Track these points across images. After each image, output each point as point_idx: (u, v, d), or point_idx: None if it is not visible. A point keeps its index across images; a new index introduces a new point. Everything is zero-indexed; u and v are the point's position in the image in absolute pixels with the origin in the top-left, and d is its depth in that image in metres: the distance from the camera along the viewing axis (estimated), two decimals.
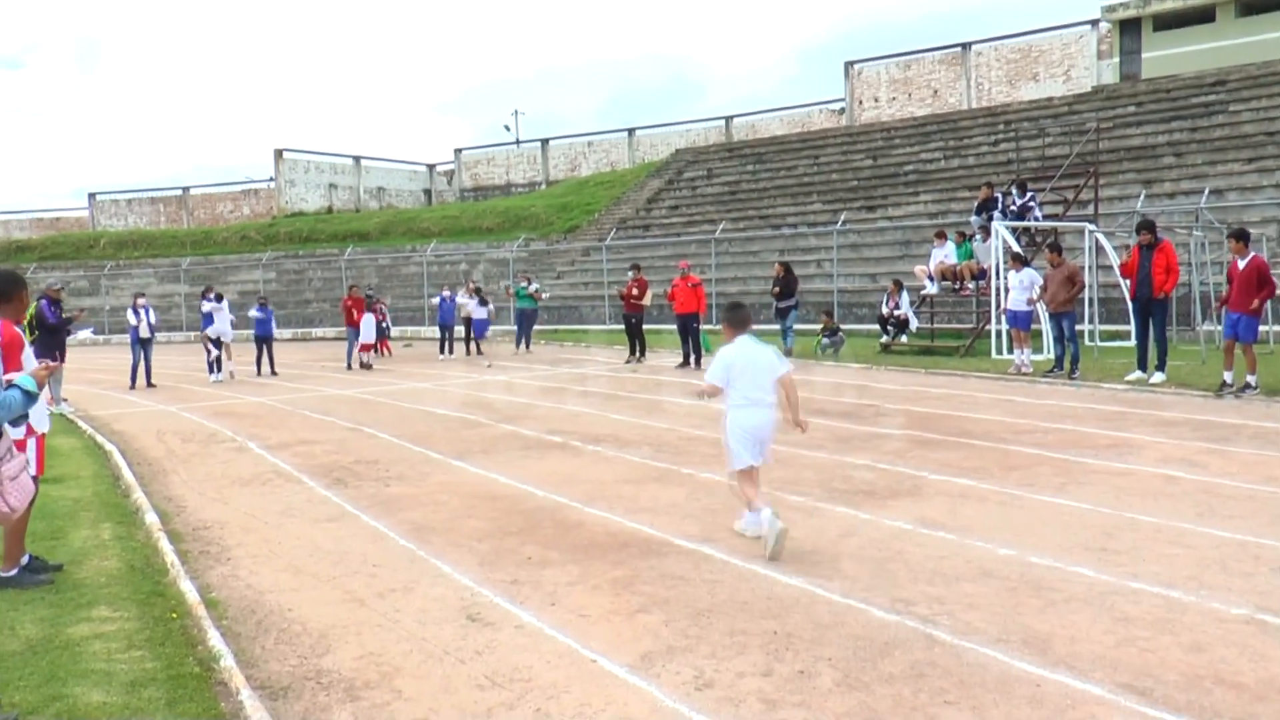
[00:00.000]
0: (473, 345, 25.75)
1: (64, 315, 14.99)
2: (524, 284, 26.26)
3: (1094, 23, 38.60)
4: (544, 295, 27.29)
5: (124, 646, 5.09)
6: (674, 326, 20.95)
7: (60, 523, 7.69)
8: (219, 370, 20.24)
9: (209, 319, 20.49)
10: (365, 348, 23.35)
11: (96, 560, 6.74)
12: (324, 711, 4.41)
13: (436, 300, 26.70)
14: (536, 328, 27.43)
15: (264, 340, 21.69)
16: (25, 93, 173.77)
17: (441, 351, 25.85)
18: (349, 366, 22.77)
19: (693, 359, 19.63)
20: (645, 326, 22.04)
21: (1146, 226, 14.21)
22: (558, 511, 7.92)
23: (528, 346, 25.81)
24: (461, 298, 26.07)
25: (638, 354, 21.48)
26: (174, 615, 5.54)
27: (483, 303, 26.10)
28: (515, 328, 26.55)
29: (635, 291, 21.28)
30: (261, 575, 6.50)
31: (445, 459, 10.46)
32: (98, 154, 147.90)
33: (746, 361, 6.71)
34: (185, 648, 5.06)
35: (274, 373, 21.12)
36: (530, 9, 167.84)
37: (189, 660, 4.88)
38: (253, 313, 22.02)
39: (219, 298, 20.89)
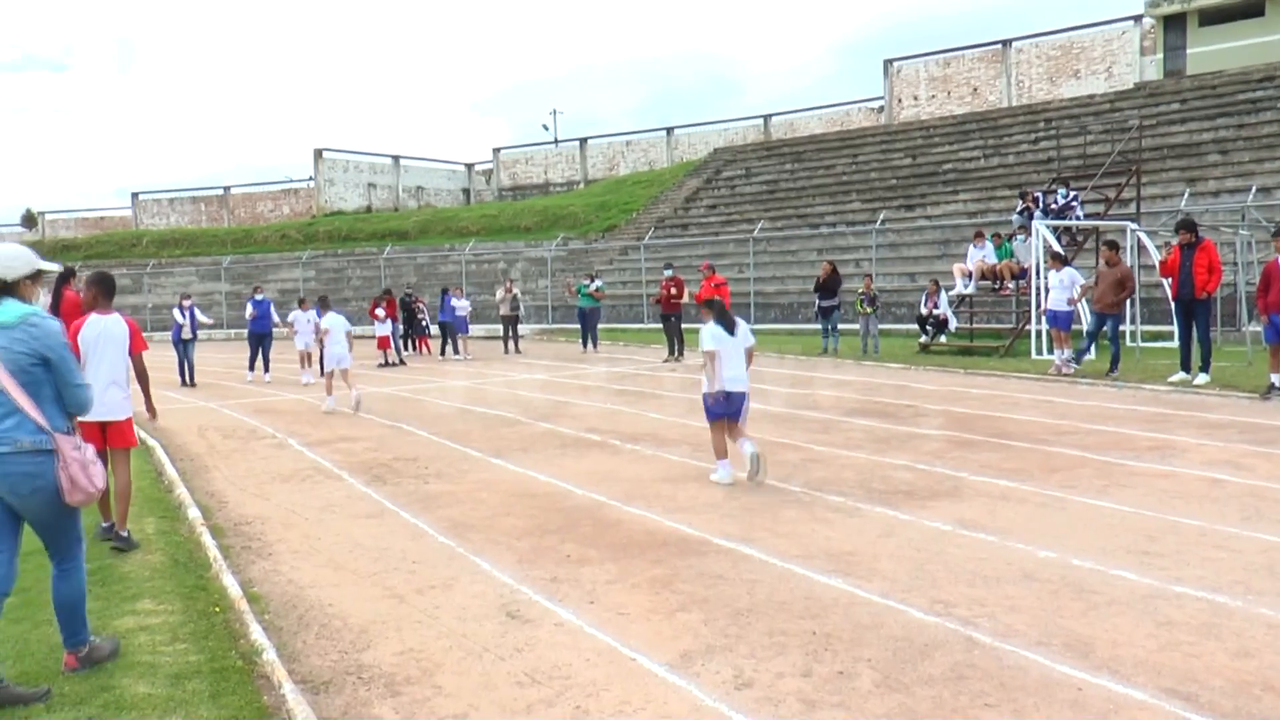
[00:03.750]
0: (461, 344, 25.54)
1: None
2: (586, 282, 26.16)
3: (1137, 18, 38.13)
4: (604, 294, 27.08)
5: (168, 639, 5.17)
6: (659, 327, 21.04)
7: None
8: (309, 372, 19.22)
9: (259, 321, 19.98)
10: (384, 343, 23.49)
11: (141, 554, 6.86)
12: (365, 706, 4.46)
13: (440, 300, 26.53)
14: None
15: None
16: (69, 95, 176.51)
17: (443, 351, 25.82)
18: (386, 364, 23.10)
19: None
20: (684, 325, 22.00)
21: (1186, 225, 14.03)
22: (596, 510, 7.95)
23: (594, 345, 25.13)
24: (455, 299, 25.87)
25: (676, 353, 21.47)
26: (217, 609, 5.62)
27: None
28: (579, 327, 26.07)
29: (673, 290, 21.30)
30: (302, 571, 6.58)
31: (484, 456, 10.53)
32: (140, 154, 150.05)
33: (725, 337, 8.85)
34: (228, 641, 5.13)
35: (324, 373, 20.47)
36: (567, 8, 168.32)
37: (232, 654, 4.95)
38: (312, 314, 21.78)
39: (321, 306, 19.51)
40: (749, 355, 9.02)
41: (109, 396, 6.99)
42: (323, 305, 18.05)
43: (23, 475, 4.45)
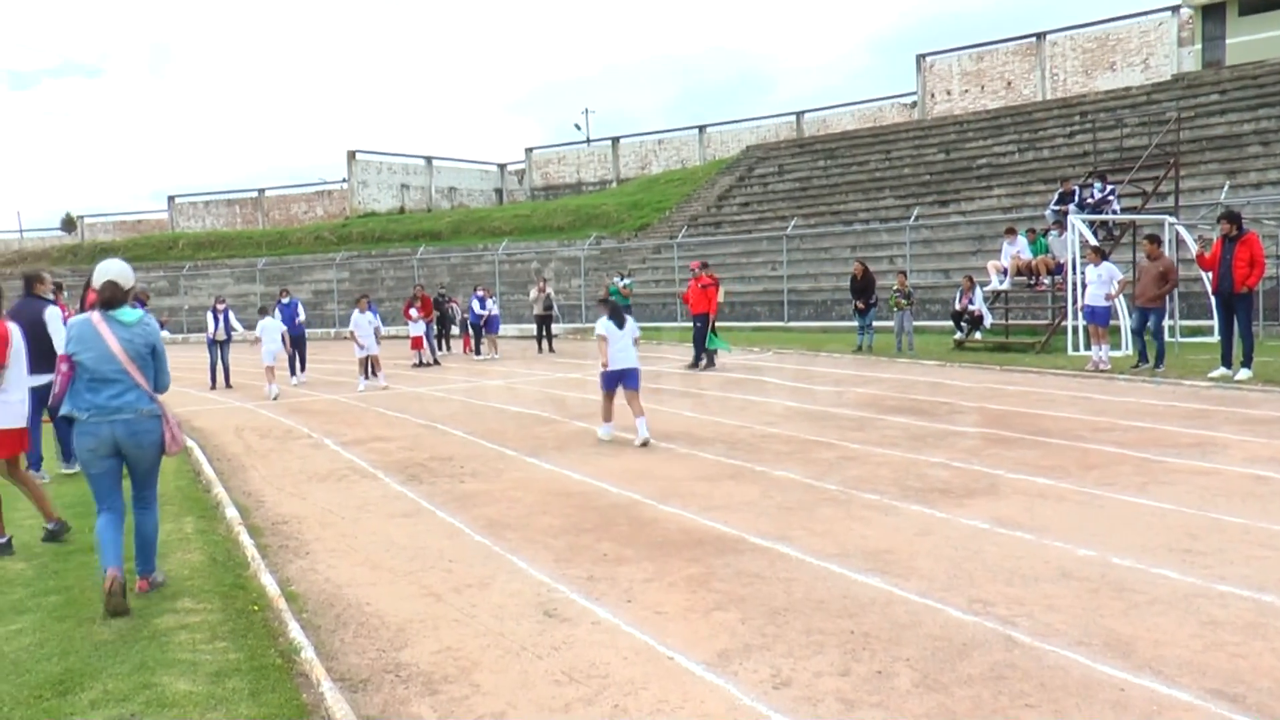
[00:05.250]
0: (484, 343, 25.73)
1: (159, 319, 15.39)
2: (617, 280, 26.20)
3: (1174, 9, 37.64)
4: (631, 291, 27.03)
5: (208, 637, 5.22)
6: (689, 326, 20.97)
7: None
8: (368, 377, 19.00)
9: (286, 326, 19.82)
10: (417, 343, 23.60)
11: (180, 553, 6.93)
12: (403, 704, 4.48)
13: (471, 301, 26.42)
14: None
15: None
16: (106, 100, 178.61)
17: (477, 350, 25.82)
18: (427, 363, 23.24)
19: (703, 360, 19.40)
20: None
21: (1229, 217, 13.82)
22: (632, 508, 7.96)
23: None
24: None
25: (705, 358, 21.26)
26: (255, 608, 5.66)
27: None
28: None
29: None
30: (339, 569, 6.62)
31: (519, 455, 10.56)
32: (176, 158, 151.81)
33: (615, 329, 11.12)
34: (267, 639, 5.17)
35: (375, 374, 19.66)
36: (598, 7, 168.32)
37: (270, 652, 4.98)
38: (355, 315, 21.79)
39: (373, 307, 19.82)
40: (635, 343, 11.45)
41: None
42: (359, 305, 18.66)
43: (144, 433, 5.91)
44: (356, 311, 19.04)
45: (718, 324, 19.75)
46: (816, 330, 27.76)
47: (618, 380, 11.26)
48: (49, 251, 53.37)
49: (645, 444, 10.76)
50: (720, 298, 21.19)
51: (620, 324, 11.23)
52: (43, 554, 6.97)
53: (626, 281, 26.26)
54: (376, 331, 17.65)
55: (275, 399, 17.17)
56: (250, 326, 21.04)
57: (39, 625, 5.47)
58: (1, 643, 5.22)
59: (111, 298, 5.95)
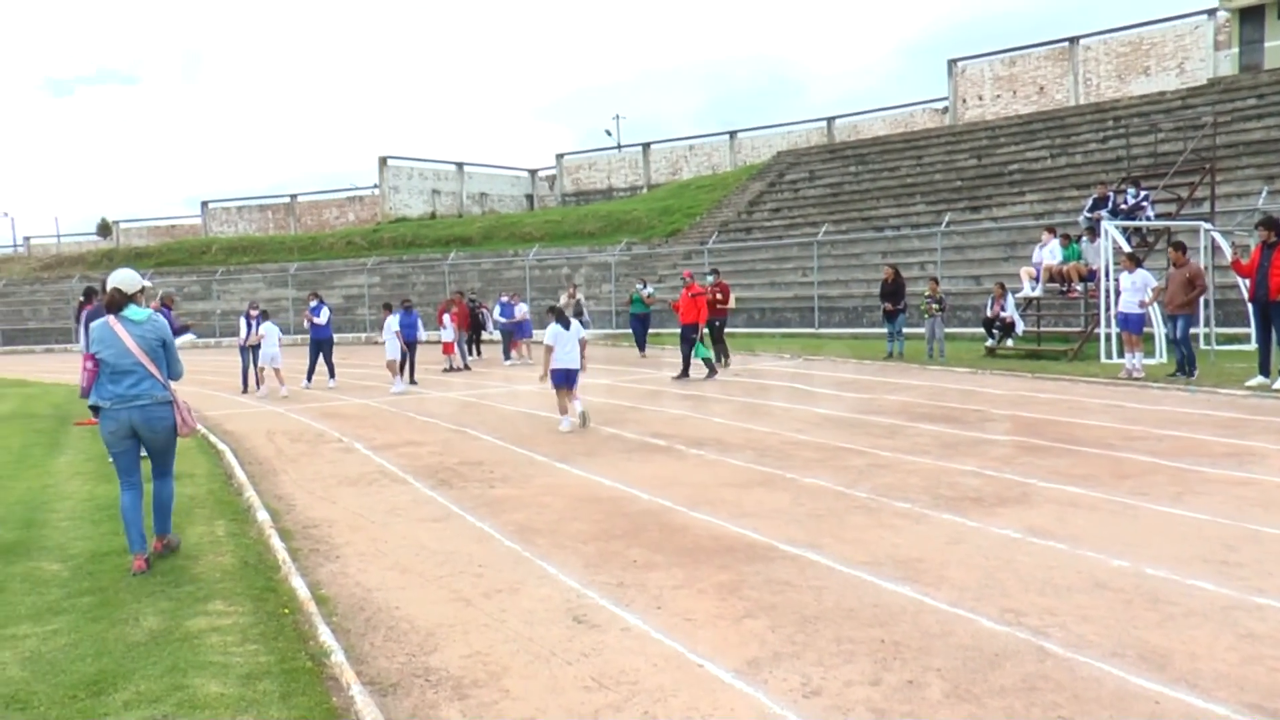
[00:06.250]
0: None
1: (183, 322, 15.64)
2: (639, 287, 26.26)
3: (1211, 12, 37.25)
4: (655, 299, 27.08)
5: (239, 640, 5.25)
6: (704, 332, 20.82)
7: (178, 519, 7.96)
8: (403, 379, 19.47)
9: (318, 328, 20.23)
10: (448, 349, 23.71)
11: (212, 556, 6.98)
12: (432, 709, 4.49)
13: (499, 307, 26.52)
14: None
15: (408, 345, 20.77)
16: (141, 107, 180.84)
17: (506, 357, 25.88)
18: (457, 368, 23.37)
19: (691, 369, 19.14)
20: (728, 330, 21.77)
21: (1268, 224, 13.65)
22: (662, 515, 7.95)
23: (642, 351, 25.46)
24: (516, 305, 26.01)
25: (722, 360, 21.12)
26: (286, 611, 5.69)
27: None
28: (631, 332, 26.31)
29: (719, 296, 20.91)
30: (369, 573, 6.65)
31: (549, 461, 10.58)
32: (210, 164, 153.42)
33: (562, 333, 12.55)
34: (297, 642, 5.19)
35: (413, 381, 20.00)
36: (628, 13, 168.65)
37: (301, 655, 5.01)
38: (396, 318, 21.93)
39: (407, 309, 20.40)
40: (582, 344, 12.77)
41: None
42: (387, 308, 19.30)
43: (157, 418, 6.65)
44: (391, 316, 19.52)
45: (729, 330, 19.63)
46: (847, 336, 27.66)
47: (564, 378, 12.65)
48: (85, 256, 54.04)
49: (580, 424, 12.64)
50: (731, 303, 21.08)
51: (567, 326, 12.64)
52: (78, 556, 7.05)
53: (650, 290, 26.32)
54: (412, 329, 18.60)
55: (285, 395, 18.15)
56: (286, 331, 21.36)
57: (74, 626, 5.53)
58: (38, 643, 5.28)
59: (117, 301, 6.69)
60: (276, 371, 18.70)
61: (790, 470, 9.57)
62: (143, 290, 6.95)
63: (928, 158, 38.19)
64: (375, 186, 54.52)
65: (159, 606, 5.82)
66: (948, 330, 21.93)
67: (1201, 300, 16.55)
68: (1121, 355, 16.68)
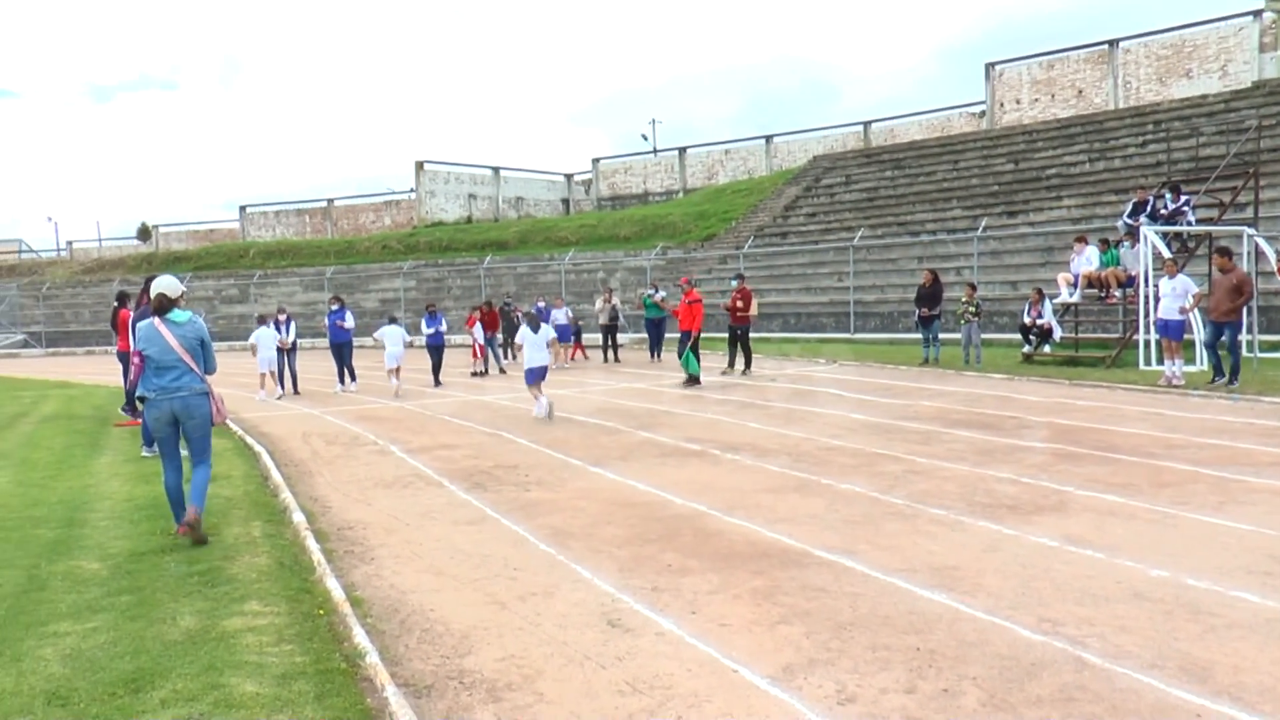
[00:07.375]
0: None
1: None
2: (651, 292, 26.35)
3: (1256, 14, 36.65)
4: (670, 304, 27.07)
5: (274, 640, 5.29)
6: (725, 337, 20.86)
7: (214, 519, 8.08)
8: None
9: (337, 332, 20.44)
10: (480, 351, 23.82)
11: (248, 557, 7.05)
12: (466, 711, 4.50)
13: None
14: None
15: (435, 350, 21.41)
16: (180, 112, 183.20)
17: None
18: (482, 372, 23.52)
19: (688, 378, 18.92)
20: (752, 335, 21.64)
21: None
22: (697, 519, 7.94)
23: (657, 355, 25.72)
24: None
25: (744, 366, 21.00)
26: (321, 612, 5.73)
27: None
28: (646, 336, 26.58)
29: (740, 303, 20.70)
30: (404, 575, 6.69)
31: (583, 465, 10.60)
32: (248, 168, 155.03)
33: (531, 335, 14.67)
34: (332, 643, 5.22)
35: (438, 383, 20.62)
36: (664, 17, 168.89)
37: (336, 656, 5.03)
38: (422, 325, 21.99)
39: (431, 315, 21.38)
40: (551, 345, 15.32)
41: None
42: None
43: (195, 407, 7.48)
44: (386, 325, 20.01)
45: (752, 334, 19.58)
46: (883, 342, 27.51)
47: (534, 375, 14.52)
48: (125, 260, 54.76)
49: (545, 416, 14.11)
50: (754, 310, 20.91)
51: (535, 329, 14.64)
52: (117, 555, 7.14)
53: (662, 294, 26.40)
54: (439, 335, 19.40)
55: (279, 398, 18.76)
56: (321, 335, 21.74)
57: (112, 624, 5.60)
58: (78, 640, 5.35)
59: (162, 305, 7.56)
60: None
61: (825, 476, 9.53)
62: (182, 295, 7.75)
63: (964, 162, 37.89)
64: (411, 191, 54.79)
65: (196, 606, 5.88)
66: (984, 336, 21.75)
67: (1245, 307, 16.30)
68: (1160, 362, 16.46)
